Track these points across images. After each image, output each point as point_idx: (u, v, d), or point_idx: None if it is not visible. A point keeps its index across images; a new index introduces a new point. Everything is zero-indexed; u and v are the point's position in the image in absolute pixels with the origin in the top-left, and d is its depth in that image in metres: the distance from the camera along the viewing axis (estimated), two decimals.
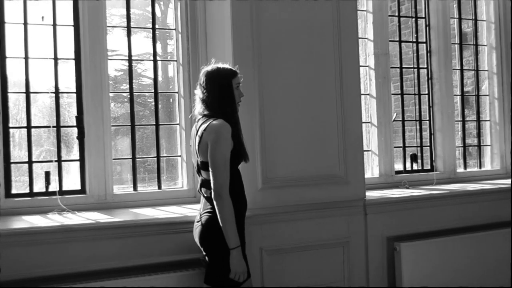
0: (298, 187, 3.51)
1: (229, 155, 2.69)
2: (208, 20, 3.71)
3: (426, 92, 4.72)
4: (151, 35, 3.78)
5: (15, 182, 3.37)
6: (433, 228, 4.05)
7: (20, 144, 3.49)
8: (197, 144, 2.78)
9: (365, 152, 4.09)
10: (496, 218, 4.29)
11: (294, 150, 3.51)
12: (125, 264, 3.08)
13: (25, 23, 3.41)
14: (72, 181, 3.52)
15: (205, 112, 2.80)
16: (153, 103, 3.75)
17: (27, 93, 3.40)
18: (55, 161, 3.44)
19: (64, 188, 3.45)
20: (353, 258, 3.70)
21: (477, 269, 4.09)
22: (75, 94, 3.51)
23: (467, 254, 4.06)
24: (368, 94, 4.42)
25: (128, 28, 3.68)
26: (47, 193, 3.39)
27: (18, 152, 3.48)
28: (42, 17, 3.46)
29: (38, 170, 3.43)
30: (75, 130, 3.49)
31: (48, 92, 3.51)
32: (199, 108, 2.85)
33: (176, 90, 3.80)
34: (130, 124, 3.66)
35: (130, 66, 3.67)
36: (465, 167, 4.89)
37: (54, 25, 3.48)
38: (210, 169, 2.68)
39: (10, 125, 3.37)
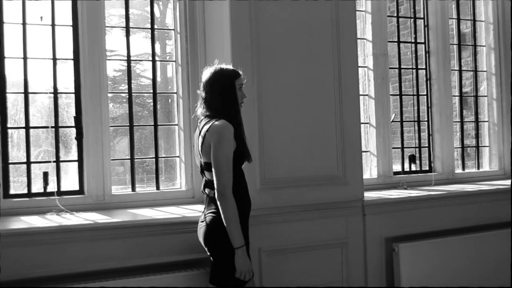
0: (297, 188, 3.51)
1: (232, 155, 2.70)
2: (207, 20, 3.71)
3: (425, 93, 4.72)
4: (150, 35, 3.78)
5: (13, 182, 3.37)
6: (432, 228, 4.05)
7: (19, 145, 3.49)
8: (200, 144, 2.79)
9: (363, 153, 4.09)
10: (495, 218, 4.29)
11: (292, 151, 3.51)
12: (124, 264, 3.08)
13: (24, 23, 3.41)
14: (70, 181, 3.51)
15: (208, 113, 2.80)
16: (152, 104, 3.75)
17: (26, 93, 3.39)
18: (54, 161, 3.43)
19: (63, 188, 3.45)
20: (351, 258, 3.71)
21: (475, 270, 4.10)
22: (73, 95, 3.51)
23: (465, 255, 4.07)
24: (366, 95, 4.42)
25: (127, 28, 3.68)
26: (45, 193, 3.38)
27: (16, 153, 3.48)
28: (41, 17, 3.45)
29: (37, 170, 3.42)
30: (74, 130, 3.49)
31: (46, 93, 3.50)
32: (202, 108, 2.85)
33: (175, 91, 3.80)
34: (128, 124, 3.66)
35: (128, 66, 3.66)
36: (463, 168, 4.89)
37: (53, 25, 3.47)
38: (213, 170, 2.69)
39: (9, 125, 3.37)
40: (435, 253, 3.95)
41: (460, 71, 4.95)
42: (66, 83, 3.54)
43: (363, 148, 4.19)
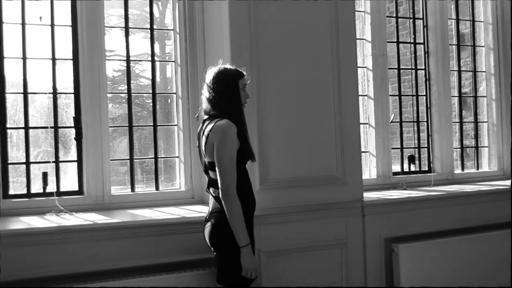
0: (296, 188, 3.51)
1: (236, 154, 2.71)
2: (206, 20, 3.70)
3: (424, 93, 4.72)
4: (149, 35, 3.78)
5: (12, 183, 3.36)
6: (431, 229, 4.05)
7: (18, 145, 3.49)
8: (203, 144, 2.80)
9: (362, 153, 4.09)
10: (494, 219, 4.29)
11: (291, 151, 3.51)
12: (123, 265, 3.07)
13: (23, 23, 3.41)
14: (69, 182, 3.51)
15: (211, 112, 2.81)
16: (151, 104, 3.75)
17: (25, 93, 3.39)
18: (53, 162, 3.43)
19: (62, 189, 3.45)
20: (351, 259, 3.70)
21: (475, 270, 4.10)
22: (73, 95, 3.50)
23: (465, 255, 4.07)
24: (366, 95, 4.42)
25: (126, 29, 3.68)
26: (44, 194, 3.38)
27: (15, 153, 3.47)
28: (40, 17, 3.45)
29: (36, 171, 3.42)
30: (73, 131, 3.48)
31: (46, 93, 3.50)
32: (205, 108, 2.86)
33: (174, 91, 3.80)
34: (128, 125, 3.65)
35: (128, 66, 3.66)
36: (462, 169, 4.90)
37: (52, 25, 3.47)
38: (217, 169, 2.70)
39: (8, 125, 3.36)
40: (434, 253, 3.95)
41: (459, 71, 4.95)
42: (66, 83, 3.54)
43: (363, 149, 4.19)
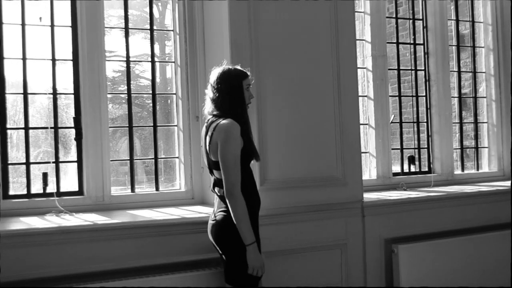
0: (296, 189, 3.51)
1: (239, 153, 2.72)
2: (206, 21, 3.71)
3: (424, 94, 4.72)
4: (149, 36, 3.78)
5: (12, 183, 3.36)
6: (431, 230, 4.05)
7: (18, 145, 3.49)
8: (207, 144, 2.81)
9: (362, 154, 4.09)
10: (494, 220, 4.29)
11: (291, 152, 3.51)
12: (123, 265, 3.07)
13: (23, 24, 3.41)
14: (69, 182, 3.51)
15: (215, 112, 2.83)
16: (151, 105, 3.75)
17: (25, 94, 3.39)
18: (53, 162, 3.43)
19: (62, 189, 3.44)
20: (350, 260, 3.70)
21: (475, 271, 4.09)
22: (73, 95, 3.50)
23: (465, 256, 4.07)
24: (365, 96, 4.42)
25: (126, 29, 3.68)
26: (44, 194, 3.37)
27: (15, 153, 3.47)
28: (40, 18, 3.45)
29: (36, 171, 3.42)
30: (73, 131, 3.48)
31: (46, 93, 3.50)
32: (209, 108, 2.87)
33: (174, 92, 3.80)
34: (128, 125, 3.66)
35: (128, 67, 3.66)
36: (462, 169, 4.90)
37: (52, 26, 3.47)
38: (221, 169, 2.71)
39: (8, 126, 3.36)
40: (434, 254, 3.94)
41: (459, 72, 4.95)
42: (65, 83, 3.54)
43: (362, 149, 4.19)
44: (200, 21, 3.73)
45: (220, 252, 2.85)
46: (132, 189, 3.64)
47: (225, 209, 2.78)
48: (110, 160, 3.55)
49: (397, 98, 4.62)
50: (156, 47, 4.02)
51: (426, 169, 4.68)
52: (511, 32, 4.78)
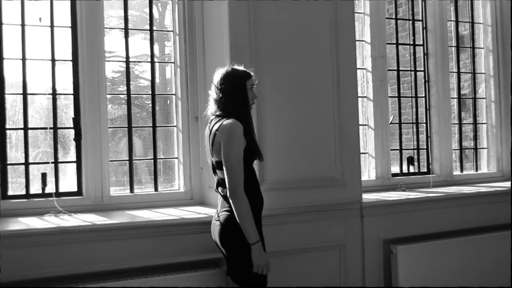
0: (295, 190, 3.51)
1: (242, 153, 2.73)
2: (205, 21, 3.71)
3: (423, 95, 4.73)
4: (148, 36, 3.78)
5: (11, 183, 3.37)
6: (430, 231, 4.05)
7: (17, 146, 3.49)
8: (210, 144, 2.82)
9: (361, 155, 4.09)
10: (493, 220, 4.30)
11: (290, 152, 3.51)
12: (122, 266, 3.07)
13: (23, 24, 3.41)
14: (68, 183, 3.52)
15: (218, 113, 2.84)
16: (151, 105, 3.75)
17: (24, 94, 3.39)
18: (52, 162, 3.43)
19: (61, 190, 3.45)
20: (349, 260, 3.71)
21: (473, 272, 4.10)
22: (72, 96, 3.51)
23: (463, 257, 4.07)
24: (365, 97, 4.42)
25: (126, 30, 3.68)
26: (43, 194, 3.38)
27: (14, 154, 3.48)
28: (40, 18, 3.45)
29: (35, 171, 3.42)
30: (72, 131, 3.49)
31: (45, 94, 3.51)
32: (212, 108, 2.89)
33: (174, 92, 3.80)
34: (127, 126, 3.66)
35: (127, 67, 3.67)
36: (461, 170, 4.90)
37: (52, 26, 3.48)
38: (224, 168, 2.72)
39: (7, 126, 3.37)
40: (433, 255, 3.95)
41: (459, 73, 4.96)
42: (65, 84, 3.55)
43: (362, 150, 4.18)
44: (200, 22, 3.73)
45: (224, 252, 2.86)
46: (131, 190, 3.64)
47: (228, 209, 2.79)
48: (109, 160, 3.55)
49: (396, 99, 4.62)
50: (156, 47, 4.02)
51: (425, 170, 4.69)
52: (511, 33, 4.78)
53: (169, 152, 3.86)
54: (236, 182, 2.69)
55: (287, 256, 3.48)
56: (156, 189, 3.71)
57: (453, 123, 4.82)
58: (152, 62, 3.75)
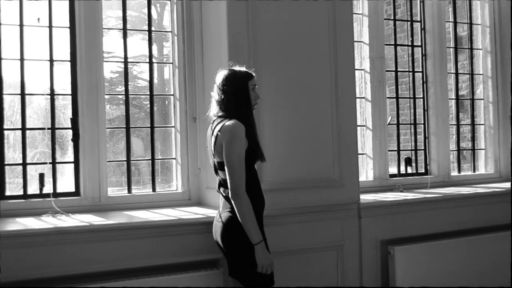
0: (292, 190, 3.51)
1: (244, 154, 2.74)
2: (204, 21, 3.71)
3: (421, 96, 4.73)
4: (147, 37, 3.79)
5: (9, 184, 3.36)
6: (427, 231, 4.06)
7: (15, 146, 3.49)
8: (212, 144, 2.83)
9: (359, 155, 4.09)
10: (491, 221, 4.30)
11: (288, 153, 3.52)
12: (119, 266, 3.07)
13: (21, 25, 3.41)
14: (66, 183, 3.51)
15: (220, 114, 2.85)
16: (149, 106, 3.75)
17: (22, 94, 3.39)
18: (50, 163, 3.43)
19: (58, 190, 3.45)
20: (347, 261, 3.71)
21: (471, 273, 4.10)
22: (70, 96, 3.51)
23: (461, 258, 4.08)
24: (363, 98, 4.43)
25: (124, 30, 3.68)
26: (41, 195, 3.37)
27: (12, 154, 3.47)
28: (38, 19, 3.45)
29: (33, 172, 3.42)
30: (70, 132, 3.49)
31: (43, 94, 3.50)
32: (214, 109, 2.90)
33: (172, 93, 3.80)
34: (125, 126, 3.66)
35: (125, 68, 3.67)
36: (459, 171, 4.91)
37: (50, 26, 3.48)
38: (226, 169, 2.73)
39: (5, 126, 3.37)
40: (430, 256, 3.95)
41: (457, 74, 4.96)
42: (63, 84, 3.54)
43: (360, 151, 4.18)
44: (198, 22, 3.73)
45: (227, 252, 2.86)
46: (129, 190, 3.64)
47: (230, 209, 2.80)
48: (107, 161, 3.55)
49: (394, 99, 4.63)
50: (154, 48, 4.03)
51: (423, 171, 4.69)
52: (511, 34, 4.79)
53: (167, 153, 3.86)
54: (238, 183, 2.70)
55: (284, 257, 3.48)
56: (154, 190, 3.71)
57: (451, 124, 4.82)
58: (151, 63, 3.75)
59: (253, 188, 2.82)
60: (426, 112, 4.72)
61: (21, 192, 3.37)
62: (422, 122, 4.72)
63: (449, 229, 4.14)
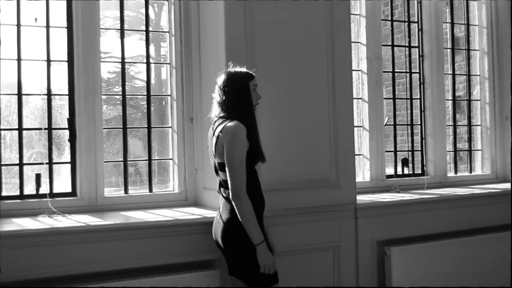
0: (289, 191, 3.51)
1: (245, 155, 2.74)
2: (201, 22, 3.71)
3: (418, 97, 4.74)
4: (144, 37, 3.78)
5: (5, 184, 3.36)
6: (424, 232, 4.07)
7: (11, 146, 3.49)
8: (213, 145, 2.83)
9: (356, 156, 4.10)
10: (487, 222, 4.31)
11: (285, 154, 3.52)
12: (116, 267, 3.07)
13: (18, 25, 3.41)
14: (63, 183, 3.51)
15: (222, 114, 2.85)
16: (146, 106, 3.75)
17: (19, 95, 3.39)
18: (46, 163, 3.43)
19: (55, 190, 3.44)
20: (343, 262, 3.72)
21: (467, 273, 4.11)
22: (67, 96, 3.51)
23: (458, 258, 4.09)
24: (360, 98, 4.43)
25: (122, 30, 3.68)
26: (37, 195, 3.37)
27: (9, 154, 3.47)
28: (35, 19, 3.45)
29: (29, 172, 3.42)
30: (67, 132, 3.49)
31: (40, 94, 3.50)
32: (216, 110, 2.91)
33: (169, 93, 3.80)
34: (122, 126, 3.66)
35: (123, 68, 3.67)
36: (455, 172, 4.91)
37: (47, 26, 3.47)
38: (227, 170, 2.73)
39: (2, 126, 3.36)
40: (427, 256, 3.96)
41: (454, 75, 4.97)
42: (60, 84, 3.54)
43: (356, 151, 4.19)
44: (196, 22, 3.73)
45: (228, 252, 2.87)
46: (126, 191, 3.64)
47: (231, 210, 2.80)
48: (104, 161, 3.55)
49: (391, 100, 4.64)
50: (152, 48, 4.02)
51: (420, 172, 4.70)
52: (511, 35, 4.79)
53: (164, 153, 3.86)
54: (238, 184, 2.70)
55: (281, 257, 3.46)
56: (150, 190, 3.71)
57: (447, 125, 4.83)
58: (148, 63, 3.75)
59: (253, 189, 2.83)
60: (423, 113, 4.73)
61: (17, 193, 3.37)
62: (419, 123, 4.73)
63: (446, 230, 4.15)
